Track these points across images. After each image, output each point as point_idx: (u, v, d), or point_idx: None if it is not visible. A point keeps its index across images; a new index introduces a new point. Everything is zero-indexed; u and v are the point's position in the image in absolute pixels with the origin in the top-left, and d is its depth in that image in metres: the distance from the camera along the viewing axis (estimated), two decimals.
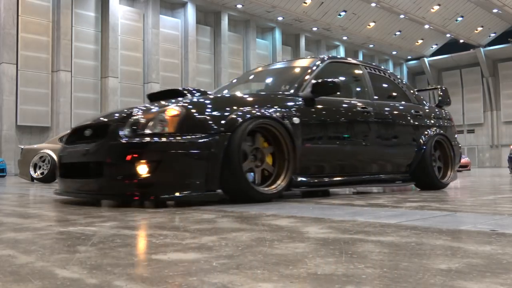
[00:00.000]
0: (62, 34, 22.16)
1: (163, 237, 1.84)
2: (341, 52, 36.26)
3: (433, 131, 5.33)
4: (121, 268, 1.28)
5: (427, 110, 5.52)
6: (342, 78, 4.87)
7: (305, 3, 29.10)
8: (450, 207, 3.10)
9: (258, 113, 3.62)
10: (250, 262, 1.34)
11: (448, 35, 37.30)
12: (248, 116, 3.53)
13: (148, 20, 25.82)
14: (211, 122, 3.40)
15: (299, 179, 3.87)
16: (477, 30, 36.11)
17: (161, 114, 3.35)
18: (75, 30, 22.98)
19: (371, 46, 37.39)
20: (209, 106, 3.59)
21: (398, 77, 5.68)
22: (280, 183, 3.66)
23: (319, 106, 4.21)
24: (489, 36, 37.58)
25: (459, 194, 4.59)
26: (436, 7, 32.29)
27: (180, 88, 3.98)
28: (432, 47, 39.84)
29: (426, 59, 40.74)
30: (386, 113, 4.92)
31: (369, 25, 33.63)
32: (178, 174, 3.23)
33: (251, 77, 5.64)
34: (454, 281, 1.11)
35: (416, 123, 5.23)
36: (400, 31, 35.33)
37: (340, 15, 31.32)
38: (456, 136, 5.97)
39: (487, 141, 39.18)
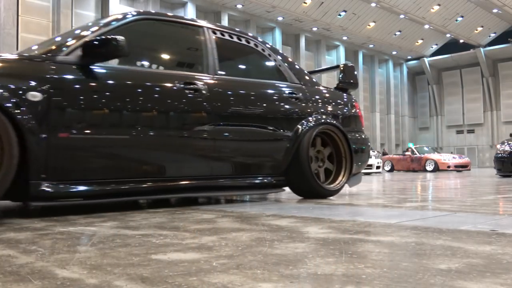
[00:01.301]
0: None
1: (163, 237, 1.84)
2: (341, 52, 36.28)
3: (316, 120, 4.00)
4: (121, 268, 1.28)
5: (308, 93, 4.14)
6: (165, 43, 3.83)
7: (305, 3, 29.10)
8: (450, 207, 3.09)
9: None
10: (250, 262, 1.34)
11: (448, 35, 37.30)
12: None
13: None
14: None
15: (47, 188, 2.59)
16: (477, 30, 36.11)
17: None
18: None
19: (371, 46, 37.39)
20: None
21: (271, 46, 4.25)
22: None
23: (97, 78, 2.93)
24: (489, 36, 37.58)
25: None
26: (436, 7, 32.29)
27: None
28: (432, 47, 39.83)
29: (426, 59, 40.73)
30: (236, 93, 3.65)
31: (369, 25, 33.63)
32: None
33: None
34: (454, 281, 1.11)
35: (290, 108, 3.93)
36: (400, 31, 35.33)
37: (340, 15, 31.32)
38: (362, 127, 4.65)
39: (487, 141, 39.16)
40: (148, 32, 3.61)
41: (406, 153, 20.45)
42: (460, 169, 18.75)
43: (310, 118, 3.99)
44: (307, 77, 4.30)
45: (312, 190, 3.87)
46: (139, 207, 3.25)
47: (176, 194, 3.30)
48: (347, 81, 4.59)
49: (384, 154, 27.79)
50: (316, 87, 4.34)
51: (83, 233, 1.97)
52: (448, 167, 18.45)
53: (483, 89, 39.36)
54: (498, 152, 10.83)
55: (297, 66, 4.31)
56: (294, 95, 4.00)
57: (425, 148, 21.47)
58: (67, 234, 1.93)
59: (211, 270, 1.24)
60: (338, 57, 36.57)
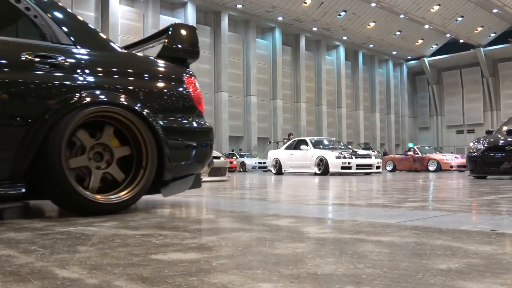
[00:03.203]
0: None
1: (163, 237, 1.84)
2: (341, 52, 36.26)
3: (85, 98, 2.71)
4: (121, 268, 1.28)
5: (84, 58, 2.85)
6: None
7: (305, 3, 29.11)
8: (450, 207, 3.09)
9: None
10: (250, 262, 1.34)
11: (448, 35, 37.31)
12: None
13: (148, 20, 25.83)
14: None
15: None
16: (477, 30, 36.12)
17: None
18: None
19: (371, 46, 37.40)
20: None
21: None
22: None
23: None
24: (489, 36, 37.60)
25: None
26: (436, 7, 32.30)
27: None
28: (432, 47, 39.85)
29: (426, 59, 40.75)
30: None
31: (369, 25, 33.63)
32: None
33: None
34: (454, 281, 1.11)
35: (34, 79, 2.64)
36: (400, 31, 35.34)
37: (340, 15, 31.33)
38: (199, 111, 3.28)
39: None
40: None
41: (409, 153, 20.38)
42: (463, 169, 18.72)
43: (77, 96, 2.70)
44: (90, 36, 3.03)
45: (74, 204, 2.65)
46: (139, 207, 3.25)
47: None
48: (180, 48, 3.31)
49: (384, 154, 27.77)
50: (109, 52, 3.06)
51: (83, 233, 1.97)
52: (451, 167, 18.39)
53: (483, 89, 39.37)
54: (471, 150, 9.37)
55: (70, 19, 3.02)
56: (50, 60, 2.71)
57: (427, 148, 21.43)
58: (67, 234, 1.93)
59: (211, 270, 1.24)
60: (338, 57, 36.58)
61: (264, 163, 22.48)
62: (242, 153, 26.64)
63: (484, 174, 9.05)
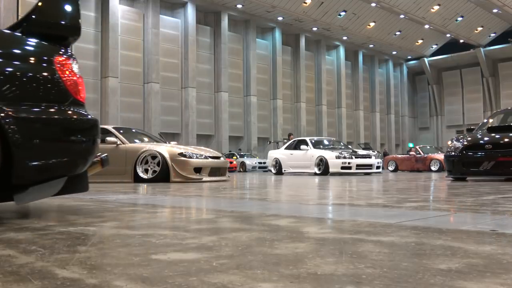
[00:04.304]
0: None
1: (163, 237, 1.84)
2: (341, 52, 36.27)
3: None
4: (121, 268, 1.28)
5: None
6: None
7: (305, 3, 29.11)
8: (450, 207, 3.10)
9: None
10: (250, 262, 1.34)
11: (448, 35, 37.31)
12: None
13: (148, 20, 25.83)
14: None
15: None
16: (477, 30, 36.12)
17: None
18: None
19: (371, 46, 37.40)
20: None
21: None
22: None
23: None
24: (489, 36, 37.60)
25: None
26: (436, 7, 32.30)
27: None
28: (432, 47, 39.85)
29: (426, 59, 40.75)
30: None
31: (369, 25, 33.64)
32: None
33: None
34: (454, 281, 1.11)
35: None
36: (400, 31, 35.34)
37: (340, 15, 31.33)
38: (76, 98, 2.59)
39: None
40: None
41: (411, 153, 20.31)
42: None
43: None
44: None
45: None
46: (139, 207, 3.25)
47: None
48: (51, 22, 2.65)
49: (385, 154, 27.74)
50: None
51: (83, 233, 1.97)
52: None
53: (483, 89, 39.38)
54: (449, 149, 8.53)
55: None
56: None
57: (428, 148, 21.38)
58: (67, 234, 1.93)
59: (211, 270, 1.24)
60: (338, 57, 36.58)
61: (264, 163, 22.48)
62: (242, 153, 26.65)
63: (463, 175, 8.27)
